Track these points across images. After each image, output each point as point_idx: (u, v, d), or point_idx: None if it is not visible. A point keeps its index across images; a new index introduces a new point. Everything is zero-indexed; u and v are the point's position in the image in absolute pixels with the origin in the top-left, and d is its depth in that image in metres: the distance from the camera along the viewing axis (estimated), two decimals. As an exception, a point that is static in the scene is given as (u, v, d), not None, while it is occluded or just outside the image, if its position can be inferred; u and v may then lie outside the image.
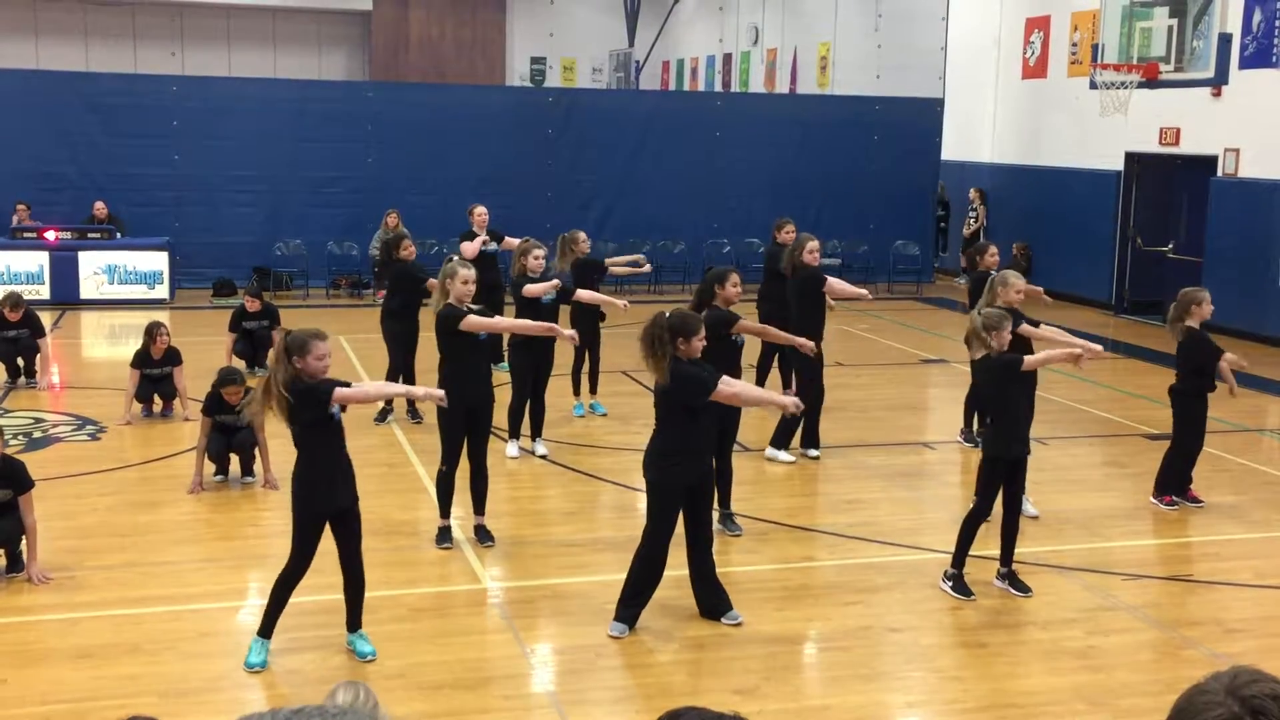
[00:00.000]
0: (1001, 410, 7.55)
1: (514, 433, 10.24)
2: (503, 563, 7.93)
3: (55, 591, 7.27)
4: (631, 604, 6.83)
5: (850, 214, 21.16)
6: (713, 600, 6.99)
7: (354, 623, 6.54)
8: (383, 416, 11.19)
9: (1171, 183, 18.43)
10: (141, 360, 11.00)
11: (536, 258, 10.05)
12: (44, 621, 6.90)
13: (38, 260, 17.21)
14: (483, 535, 8.16)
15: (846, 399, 12.44)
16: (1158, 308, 18.06)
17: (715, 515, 8.32)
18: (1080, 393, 13.24)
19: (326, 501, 6.35)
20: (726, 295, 8.21)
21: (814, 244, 10.25)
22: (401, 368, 11.15)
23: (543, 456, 10.20)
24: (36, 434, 10.70)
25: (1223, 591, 7.72)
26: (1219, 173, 17.02)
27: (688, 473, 6.71)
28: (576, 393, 11.71)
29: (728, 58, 30.86)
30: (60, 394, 12.45)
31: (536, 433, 10.36)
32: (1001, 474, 7.45)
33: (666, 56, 34.03)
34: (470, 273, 8.04)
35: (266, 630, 6.38)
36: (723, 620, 6.93)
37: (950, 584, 7.48)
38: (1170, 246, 18.34)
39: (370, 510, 8.43)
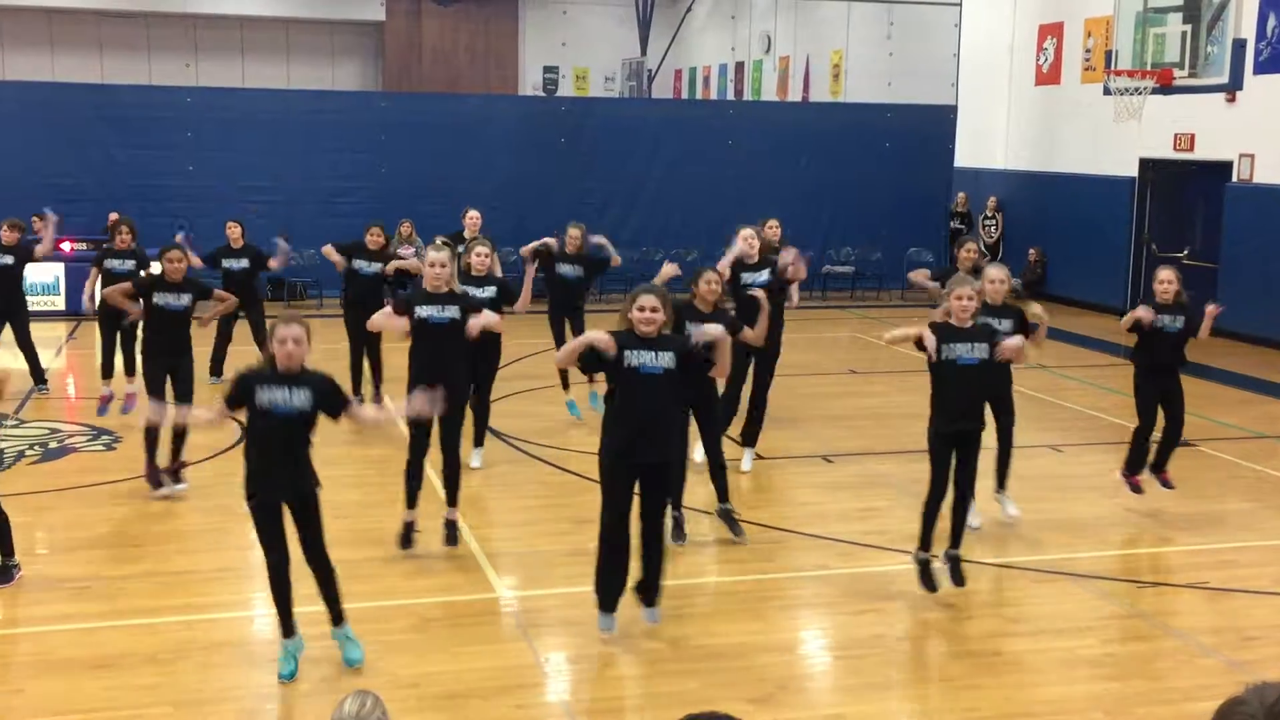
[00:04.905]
0: (933, 385, 7.34)
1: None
2: (516, 571, 7.93)
3: (71, 601, 7.29)
4: (602, 592, 6.72)
5: (863, 221, 21.14)
6: (643, 585, 6.81)
7: (336, 616, 6.40)
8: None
9: (1186, 189, 18.37)
10: (104, 255, 10.90)
11: (480, 255, 9.73)
12: (60, 631, 6.91)
13: (53, 271, 17.31)
14: (451, 532, 8.07)
15: (860, 406, 12.42)
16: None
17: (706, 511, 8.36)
18: (1094, 399, 13.20)
19: (257, 489, 6.18)
20: (699, 293, 8.17)
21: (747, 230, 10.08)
22: (359, 358, 11.24)
23: (474, 467, 9.97)
24: (52, 444, 10.74)
25: (1240, 599, 7.68)
26: (1234, 178, 16.97)
27: (629, 448, 6.50)
28: (566, 388, 11.61)
29: (740, 66, 30.88)
30: (76, 404, 12.50)
31: (477, 441, 10.12)
32: (945, 450, 7.25)
33: (679, 65, 34.06)
34: (438, 255, 7.91)
35: (286, 630, 6.32)
36: (642, 613, 6.82)
37: (917, 569, 7.36)
38: (1185, 253, 18.27)
39: (380, 519, 8.49)
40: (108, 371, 11.43)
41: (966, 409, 7.31)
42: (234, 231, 12.95)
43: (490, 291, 9.70)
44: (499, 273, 10.30)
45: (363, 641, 6.73)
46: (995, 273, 8.78)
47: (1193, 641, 7.00)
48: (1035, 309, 8.78)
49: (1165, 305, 8.97)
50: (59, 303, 17.20)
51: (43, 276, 17.30)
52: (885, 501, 9.53)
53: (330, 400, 6.20)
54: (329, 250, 11.44)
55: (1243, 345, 16.41)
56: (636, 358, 6.45)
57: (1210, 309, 9.05)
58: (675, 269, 9.27)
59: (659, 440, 6.59)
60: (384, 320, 7.94)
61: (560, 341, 11.48)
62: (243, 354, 11.01)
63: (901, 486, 9.91)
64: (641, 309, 6.48)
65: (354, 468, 9.93)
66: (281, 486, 6.19)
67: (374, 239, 11.18)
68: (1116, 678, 6.56)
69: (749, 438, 10.22)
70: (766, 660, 6.65)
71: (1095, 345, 16.33)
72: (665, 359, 6.49)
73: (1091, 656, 6.80)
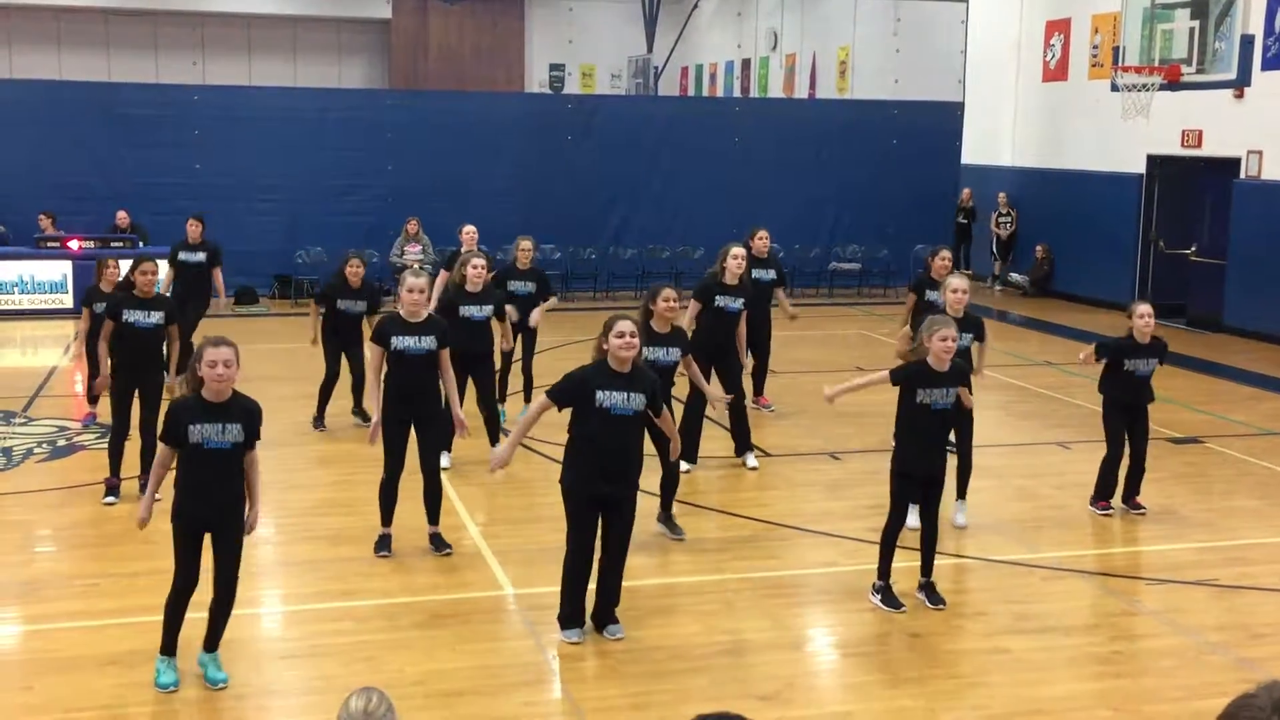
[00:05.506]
0: (902, 423, 7.28)
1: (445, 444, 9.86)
2: (523, 568, 7.93)
3: (80, 598, 7.31)
4: (569, 613, 6.75)
5: (870, 219, 21.12)
6: (598, 613, 6.85)
7: (212, 642, 6.25)
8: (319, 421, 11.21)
9: (1194, 185, 18.34)
10: (91, 296, 10.15)
11: (476, 268, 9.74)
12: (69, 629, 6.92)
13: (61, 269, 17.34)
14: (439, 544, 8.08)
15: (867, 403, 12.37)
16: (1180, 311, 18.00)
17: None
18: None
19: (185, 515, 6.03)
20: (657, 311, 8.03)
21: (738, 249, 10.04)
22: (331, 383, 11.13)
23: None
24: (60, 442, 10.76)
25: (1248, 596, 7.66)
26: (1242, 175, 16.93)
27: (591, 482, 6.55)
28: (501, 400, 11.36)
29: (746, 63, 30.86)
30: (84, 403, 12.51)
31: (494, 440, 10.16)
32: (910, 489, 7.24)
33: (685, 62, 34.05)
34: (417, 281, 7.93)
35: (169, 649, 6.16)
36: (604, 633, 6.80)
37: (879, 597, 7.33)
38: (1193, 249, 18.25)
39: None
40: (93, 399, 11.23)
41: (934, 450, 7.28)
42: (194, 229, 13.12)
43: (487, 311, 9.75)
44: (530, 245, 10.37)
45: (370, 639, 6.75)
46: (957, 283, 8.64)
47: (1200, 639, 6.99)
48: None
49: (1141, 345, 8.82)
50: (66, 300, 17.22)
51: (50, 275, 17.34)
52: (892, 499, 9.51)
53: (255, 430, 6.08)
54: (313, 314, 11.27)
55: (1251, 342, 16.39)
56: (609, 399, 6.47)
57: None
58: None
59: (621, 476, 6.62)
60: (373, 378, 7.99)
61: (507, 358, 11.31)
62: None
63: (909, 484, 9.89)
64: (620, 335, 6.48)
65: (359, 465, 9.94)
66: (211, 515, 6.07)
67: (354, 271, 10.98)
68: (1124, 675, 6.55)
69: (741, 443, 10.23)
70: (774, 657, 6.65)
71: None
72: (636, 401, 6.52)
73: (1099, 654, 6.79)
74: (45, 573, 7.81)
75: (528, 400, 11.42)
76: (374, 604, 7.25)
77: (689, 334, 9.00)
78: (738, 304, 9.86)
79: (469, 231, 12.69)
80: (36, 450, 10.47)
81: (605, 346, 6.55)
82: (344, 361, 11.18)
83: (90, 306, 10.12)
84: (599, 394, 6.47)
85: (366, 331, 10.11)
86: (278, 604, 7.42)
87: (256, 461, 6.21)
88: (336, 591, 7.44)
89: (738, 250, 9.98)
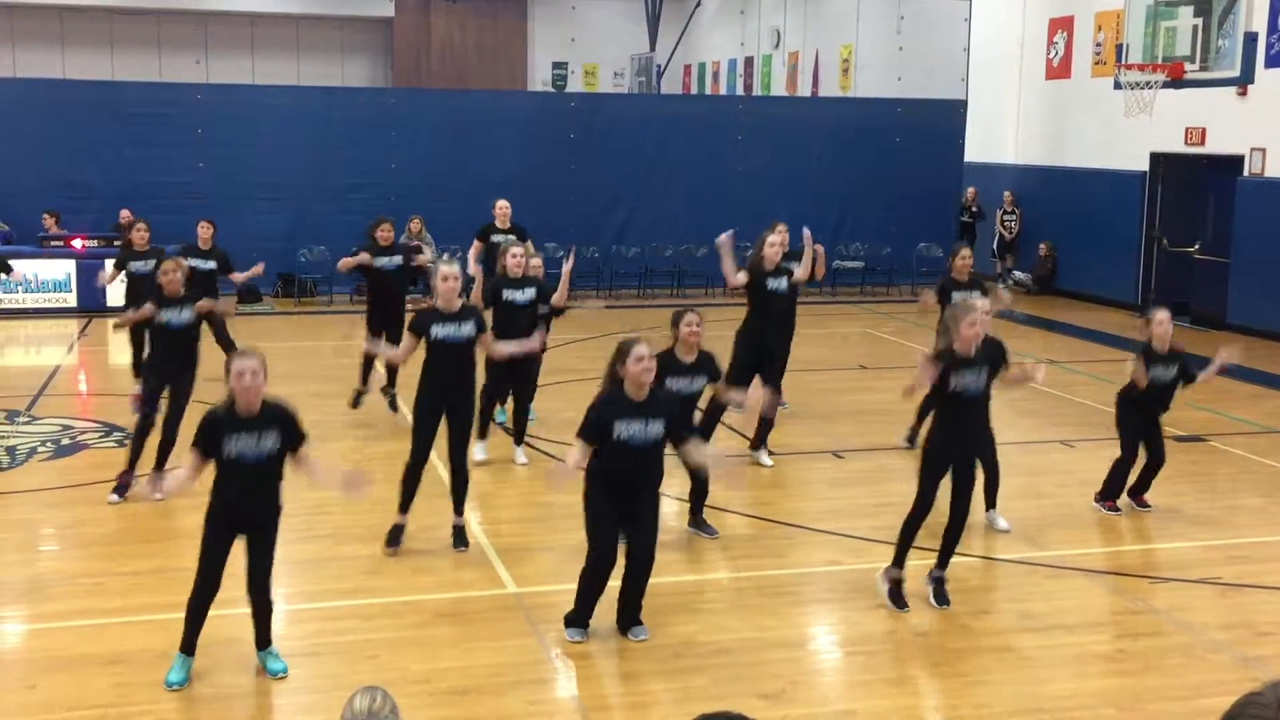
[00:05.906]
0: (940, 407, 7.20)
1: (480, 433, 9.99)
2: (526, 567, 7.93)
3: (84, 597, 7.32)
4: (580, 616, 6.76)
5: (873, 217, 21.11)
6: (622, 617, 6.84)
7: (263, 640, 6.33)
8: (356, 400, 11.46)
9: (1197, 183, 18.31)
10: (126, 258, 10.64)
11: (515, 257, 9.85)
12: (72, 628, 6.93)
13: (64, 268, 17.35)
14: (459, 538, 8.12)
15: (870, 401, 12.40)
16: (1184, 309, 17.97)
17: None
18: (1107, 395, 13.14)
19: (219, 519, 6.10)
20: (681, 337, 7.90)
21: (775, 237, 10.11)
22: (373, 357, 11.24)
23: (522, 464, 10.12)
24: (65, 440, 10.76)
25: (1253, 594, 7.66)
26: (1245, 172, 16.91)
27: (612, 502, 6.50)
28: (502, 401, 11.39)
29: (749, 61, 30.83)
30: (88, 401, 12.53)
31: (518, 439, 10.26)
32: (941, 469, 7.12)
33: (688, 60, 34.03)
34: (450, 269, 7.97)
35: (189, 648, 6.20)
36: (628, 635, 6.79)
37: (887, 588, 7.29)
38: (1196, 247, 18.23)
39: (393, 515, 8.47)
40: (139, 370, 11.47)
41: (971, 435, 7.24)
42: (205, 232, 12.97)
43: (530, 294, 9.85)
44: (539, 263, 10.45)
45: (374, 638, 6.76)
46: (979, 304, 8.59)
47: (1205, 637, 6.98)
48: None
49: (1160, 354, 8.78)
50: (70, 300, 17.24)
51: (54, 273, 17.34)
52: (895, 497, 9.48)
53: (293, 435, 6.12)
54: (352, 261, 11.42)
55: (1254, 339, 16.36)
56: (626, 429, 6.39)
57: (1221, 357, 8.84)
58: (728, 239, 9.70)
59: (637, 495, 6.57)
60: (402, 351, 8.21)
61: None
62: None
63: (911, 481, 9.87)
64: (639, 359, 6.39)
65: (365, 465, 9.94)
66: (246, 521, 6.16)
67: (385, 234, 11.32)
68: (1128, 673, 6.55)
69: (759, 440, 10.23)
70: (777, 656, 6.65)
71: (1106, 340, 16.30)
72: (655, 430, 6.44)
73: (1103, 652, 6.79)
74: (49, 571, 7.82)
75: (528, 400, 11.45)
76: (377, 602, 7.26)
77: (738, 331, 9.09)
78: (783, 284, 10.03)
79: (502, 206, 12.93)
80: (40, 449, 10.48)
81: (622, 372, 6.45)
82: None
83: (126, 266, 10.43)
84: (616, 425, 6.38)
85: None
86: (281, 603, 7.39)
87: (308, 460, 6.18)
88: (340, 590, 7.45)
89: (774, 238, 10.10)
